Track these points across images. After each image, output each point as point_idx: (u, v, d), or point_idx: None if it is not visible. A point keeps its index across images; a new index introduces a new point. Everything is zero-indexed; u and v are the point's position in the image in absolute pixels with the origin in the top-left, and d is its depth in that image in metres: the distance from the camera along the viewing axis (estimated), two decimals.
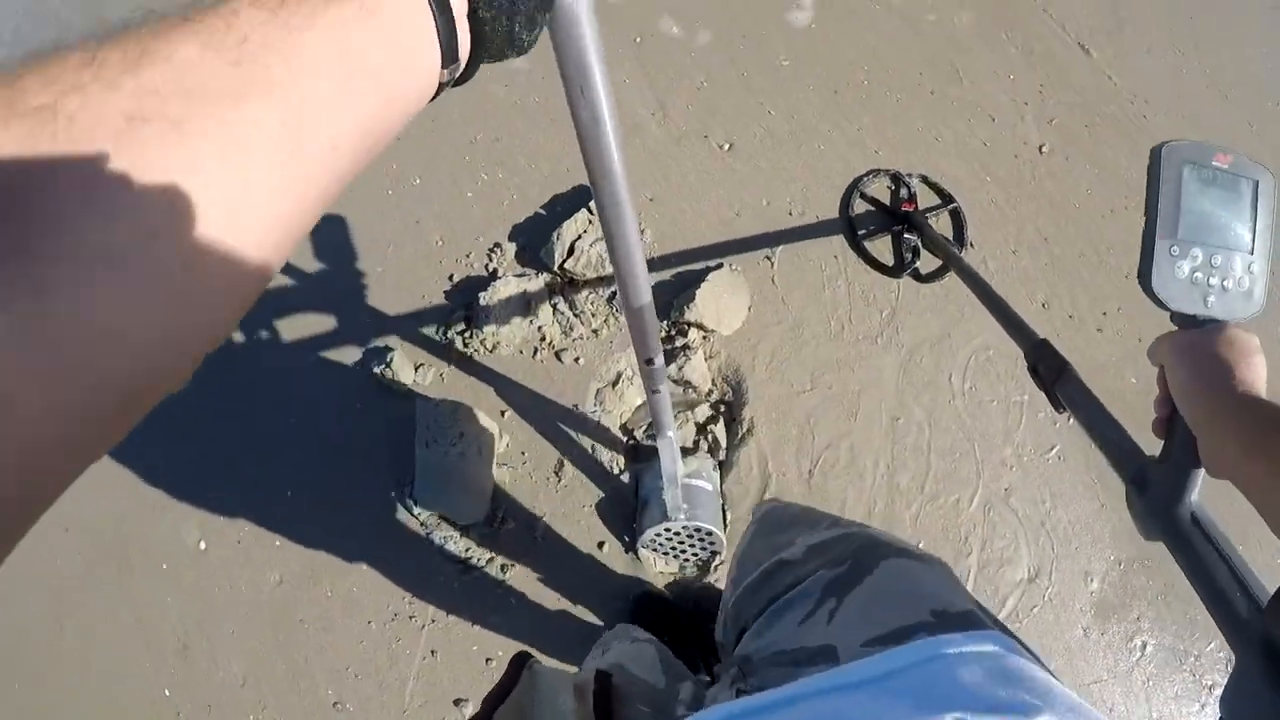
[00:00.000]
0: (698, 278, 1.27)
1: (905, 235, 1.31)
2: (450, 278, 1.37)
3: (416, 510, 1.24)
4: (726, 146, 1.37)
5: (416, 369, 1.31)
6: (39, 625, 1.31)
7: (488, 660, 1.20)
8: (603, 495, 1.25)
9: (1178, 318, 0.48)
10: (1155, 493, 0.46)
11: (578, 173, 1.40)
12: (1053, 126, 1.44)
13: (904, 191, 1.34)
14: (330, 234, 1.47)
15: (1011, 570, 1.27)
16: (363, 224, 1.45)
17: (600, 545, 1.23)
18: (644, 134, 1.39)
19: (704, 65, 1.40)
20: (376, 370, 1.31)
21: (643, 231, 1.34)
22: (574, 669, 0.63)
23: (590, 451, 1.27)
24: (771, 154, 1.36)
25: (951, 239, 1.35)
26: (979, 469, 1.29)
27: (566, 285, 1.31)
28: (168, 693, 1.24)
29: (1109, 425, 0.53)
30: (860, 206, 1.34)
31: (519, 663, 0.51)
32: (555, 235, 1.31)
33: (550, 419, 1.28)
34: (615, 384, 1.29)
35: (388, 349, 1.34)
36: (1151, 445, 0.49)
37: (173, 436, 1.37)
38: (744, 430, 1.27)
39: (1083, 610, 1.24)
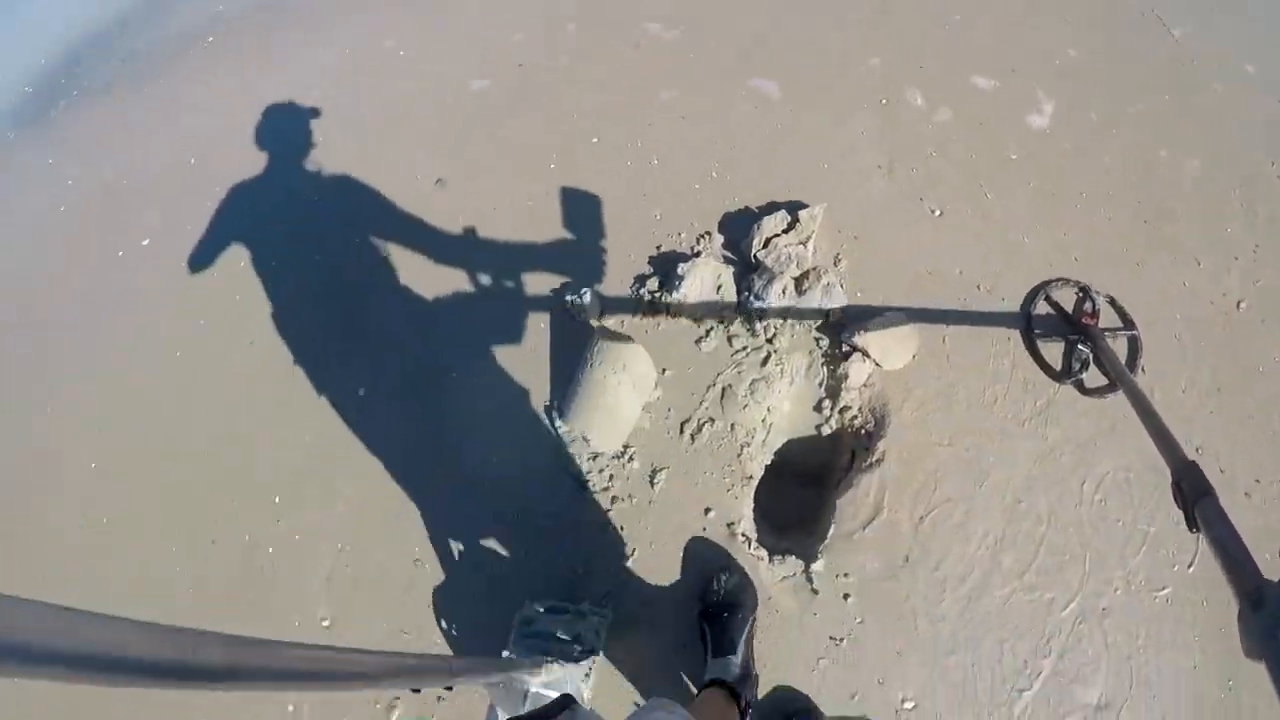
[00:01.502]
0: (877, 312, 1.40)
1: (1079, 346, 1.37)
2: (658, 248, 1.57)
3: (560, 425, 1.41)
4: (938, 213, 1.51)
5: (601, 312, 1.51)
6: (196, 401, 1.59)
7: (573, 570, 1.31)
8: (727, 466, 1.38)
9: None
10: (1269, 610, 0.50)
11: (798, 191, 1.57)
12: (1257, 287, 1.47)
13: (1089, 305, 1.40)
14: (562, 178, 1.71)
15: (1083, 690, 1.25)
16: (594, 182, 1.69)
17: (706, 511, 1.35)
18: (868, 183, 1.55)
19: (937, 139, 1.55)
20: (568, 299, 1.52)
21: (839, 260, 1.49)
22: None
23: (729, 429, 1.41)
24: (978, 230, 1.48)
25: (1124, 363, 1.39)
26: (1084, 579, 1.31)
27: (757, 279, 1.48)
28: (279, 522, 1.43)
29: (1239, 546, 0.58)
30: (1042, 308, 1.42)
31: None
32: (756, 226, 1.49)
33: (701, 389, 1.43)
34: (767, 379, 1.43)
35: (583, 286, 1.55)
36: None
37: (351, 310, 1.63)
38: (873, 459, 1.37)
39: None
